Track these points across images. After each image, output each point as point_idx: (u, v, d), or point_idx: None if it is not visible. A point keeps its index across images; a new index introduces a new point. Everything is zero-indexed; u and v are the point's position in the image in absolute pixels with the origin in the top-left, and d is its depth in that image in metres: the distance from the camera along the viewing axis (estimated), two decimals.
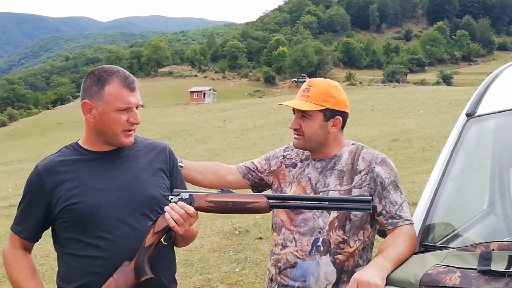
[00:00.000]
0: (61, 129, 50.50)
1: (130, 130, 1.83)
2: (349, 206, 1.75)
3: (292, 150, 2.15)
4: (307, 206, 1.86)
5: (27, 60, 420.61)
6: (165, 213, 1.69)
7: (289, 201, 1.85)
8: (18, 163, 28.65)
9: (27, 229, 1.85)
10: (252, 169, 2.18)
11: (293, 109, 2.02)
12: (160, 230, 1.71)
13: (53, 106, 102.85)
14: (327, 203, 1.78)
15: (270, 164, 2.16)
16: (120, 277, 1.70)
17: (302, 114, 1.98)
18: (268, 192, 2.02)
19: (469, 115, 2.08)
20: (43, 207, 1.81)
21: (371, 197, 1.78)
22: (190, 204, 1.70)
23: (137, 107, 1.83)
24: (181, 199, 1.72)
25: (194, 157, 19.44)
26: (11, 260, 1.86)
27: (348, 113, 2.05)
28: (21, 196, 1.88)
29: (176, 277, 2.00)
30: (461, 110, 2.17)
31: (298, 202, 1.83)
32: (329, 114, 1.98)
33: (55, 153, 1.90)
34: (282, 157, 2.14)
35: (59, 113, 73.85)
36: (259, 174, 2.16)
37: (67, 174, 1.80)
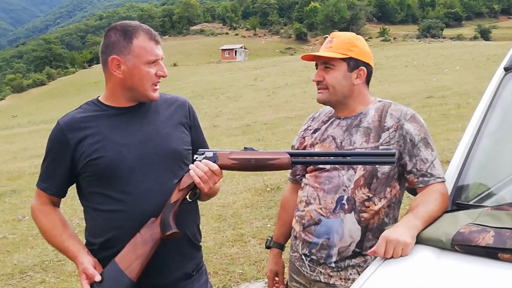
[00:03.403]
0: (97, 87, 50.99)
1: (157, 84, 1.82)
2: (372, 160, 1.72)
3: (313, 120, 2.11)
4: (330, 162, 1.84)
5: (62, 20, 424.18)
6: (190, 171, 1.72)
7: (312, 157, 1.84)
8: None
9: (53, 185, 1.86)
10: (294, 167, 2.15)
11: (316, 64, 1.98)
12: (185, 187, 1.73)
13: (89, 65, 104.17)
14: (349, 158, 1.74)
15: (295, 148, 2.13)
16: (146, 232, 1.73)
17: (326, 66, 1.93)
18: None
19: (508, 69, 1.98)
20: (68, 162, 1.81)
21: (395, 151, 1.73)
22: (214, 162, 1.72)
23: (161, 60, 1.82)
24: (205, 158, 1.74)
25: (226, 115, 19.56)
26: (40, 216, 1.88)
27: (372, 67, 1.99)
28: (45, 153, 1.88)
29: (200, 228, 2.03)
30: (499, 66, 2.08)
31: (321, 158, 1.82)
32: (353, 64, 1.92)
33: (76, 109, 1.89)
34: (302, 131, 2.12)
35: (95, 72, 74.61)
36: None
37: (89, 130, 1.80)
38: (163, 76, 1.82)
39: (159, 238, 1.73)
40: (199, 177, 1.70)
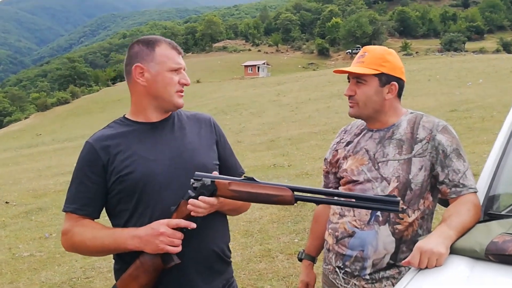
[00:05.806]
0: (121, 105, 51.70)
1: (182, 91, 1.85)
2: (376, 206, 1.63)
3: (345, 132, 2.13)
4: (332, 202, 1.82)
5: (86, 39, 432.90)
6: (189, 205, 1.68)
7: (316, 195, 1.72)
8: (82, 139, 29.73)
9: (85, 205, 1.79)
10: (327, 180, 2.18)
11: (348, 77, 2.00)
12: (183, 216, 1.71)
13: (113, 83, 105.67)
14: (354, 200, 1.69)
15: (328, 160, 2.15)
16: (148, 261, 1.71)
17: (357, 80, 1.95)
18: None
19: None
20: (100, 180, 1.77)
21: (399, 198, 1.63)
22: (212, 192, 1.68)
23: (184, 70, 1.85)
24: (203, 185, 1.68)
25: (250, 131, 19.60)
26: (75, 230, 1.78)
27: (404, 80, 2.00)
28: (73, 175, 1.82)
29: (229, 246, 1.99)
30: None
31: (325, 197, 1.74)
32: (385, 79, 1.93)
33: (104, 128, 1.87)
34: (335, 144, 2.13)
35: (119, 90, 75.64)
36: (332, 176, 2.15)
37: (119, 147, 1.78)
38: (185, 84, 1.84)
39: (161, 268, 1.71)
40: (197, 212, 1.69)
